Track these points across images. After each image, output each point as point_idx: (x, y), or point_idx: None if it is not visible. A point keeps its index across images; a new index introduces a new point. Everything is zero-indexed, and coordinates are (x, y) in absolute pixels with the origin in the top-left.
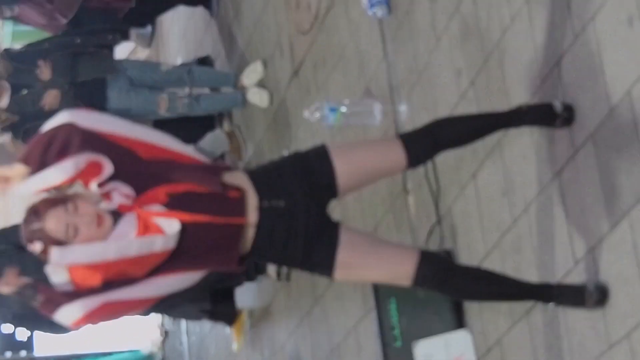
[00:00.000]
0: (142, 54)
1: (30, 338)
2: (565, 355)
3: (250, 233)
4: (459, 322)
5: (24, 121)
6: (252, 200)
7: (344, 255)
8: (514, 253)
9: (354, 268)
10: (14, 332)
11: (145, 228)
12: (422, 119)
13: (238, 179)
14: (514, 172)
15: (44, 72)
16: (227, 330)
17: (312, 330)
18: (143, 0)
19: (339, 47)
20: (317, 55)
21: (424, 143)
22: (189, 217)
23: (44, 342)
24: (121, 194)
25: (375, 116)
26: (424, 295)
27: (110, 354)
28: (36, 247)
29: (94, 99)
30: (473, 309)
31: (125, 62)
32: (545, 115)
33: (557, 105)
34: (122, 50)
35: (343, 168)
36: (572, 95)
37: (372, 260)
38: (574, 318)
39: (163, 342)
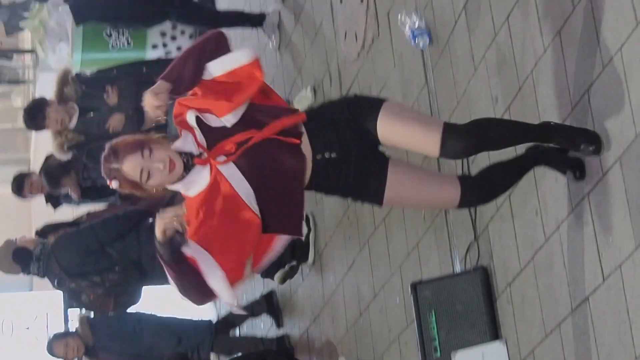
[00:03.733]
0: None
1: None
2: None
3: (306, 177)
4: (495, 334)
5: (89, 141)
6: (308, 153)
7: (390, 192)
8: (547, 270)
9: (401, 200)
10: None
11: (215, 180)
12: None
13: None
14: (546, 194)
15: (111, 97)
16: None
17: (357, 340)
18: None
19: (383, 75)
20: (364, 82)
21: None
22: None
23: None
24: (194, 141)
25: None
26: (462, 309)
27: None
28: (113, 184)
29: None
30: (508, 321)
31: None
32: (569, 140)
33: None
34: None
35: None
36: (601, 120)
37: (417, 195)
38: (603, 330)
39: None
